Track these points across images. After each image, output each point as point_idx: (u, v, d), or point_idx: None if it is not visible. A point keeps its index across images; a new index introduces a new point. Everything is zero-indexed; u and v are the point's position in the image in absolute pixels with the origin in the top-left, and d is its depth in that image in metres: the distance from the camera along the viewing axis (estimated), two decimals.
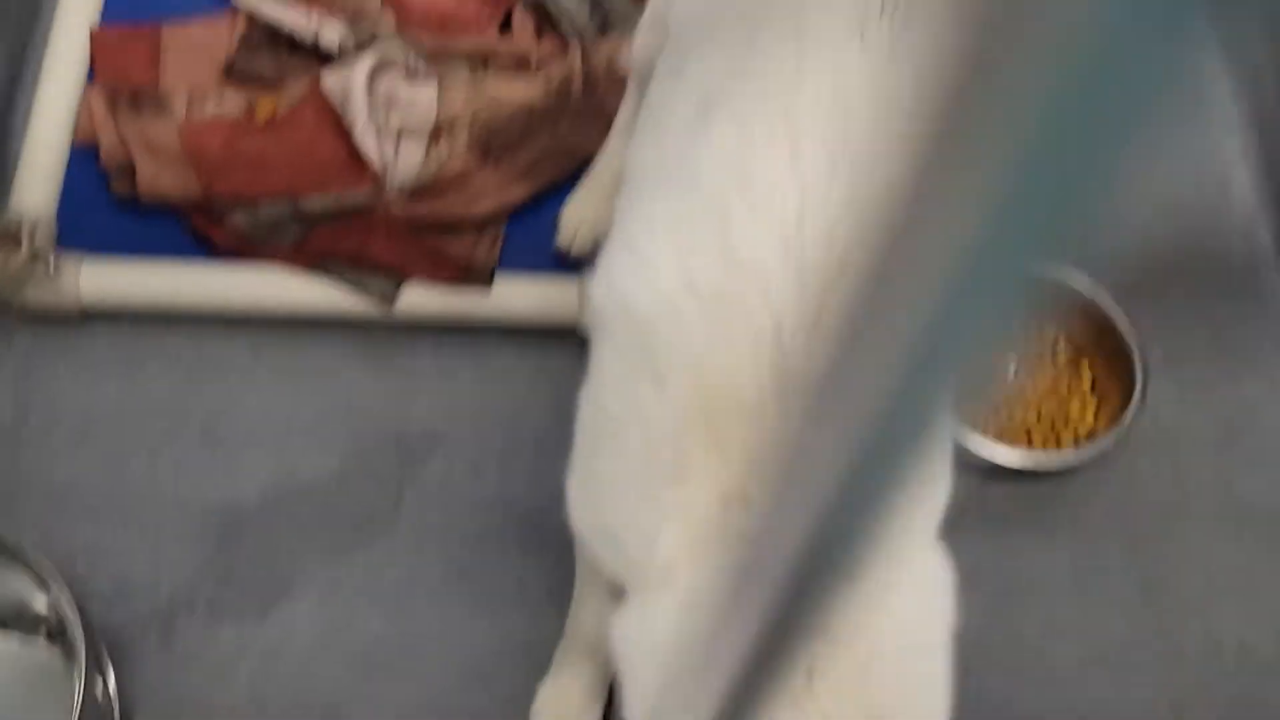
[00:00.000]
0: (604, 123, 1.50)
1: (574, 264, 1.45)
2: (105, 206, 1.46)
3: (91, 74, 1.54)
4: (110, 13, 1.60)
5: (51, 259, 1.38)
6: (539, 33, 1.61)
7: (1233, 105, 1.67)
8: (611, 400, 0.86)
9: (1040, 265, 0.26)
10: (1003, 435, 1.37)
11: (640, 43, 1.29)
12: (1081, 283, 1.37)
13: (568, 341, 1.37)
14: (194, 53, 1.57)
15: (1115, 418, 1.36)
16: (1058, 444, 1.39)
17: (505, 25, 1.62)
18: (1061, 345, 1.43)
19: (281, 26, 1.57)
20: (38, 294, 1.39)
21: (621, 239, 0.90)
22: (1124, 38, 0.21)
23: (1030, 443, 1.39)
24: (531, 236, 1.49)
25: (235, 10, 1.60)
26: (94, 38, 1.56)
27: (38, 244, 1.38)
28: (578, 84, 1.55)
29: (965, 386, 0.30)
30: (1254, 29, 1.65)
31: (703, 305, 0.81)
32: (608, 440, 0.87)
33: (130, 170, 1.45)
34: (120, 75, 1.54)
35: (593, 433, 0.89)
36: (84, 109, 1.50)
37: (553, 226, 1.47)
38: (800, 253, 0.79)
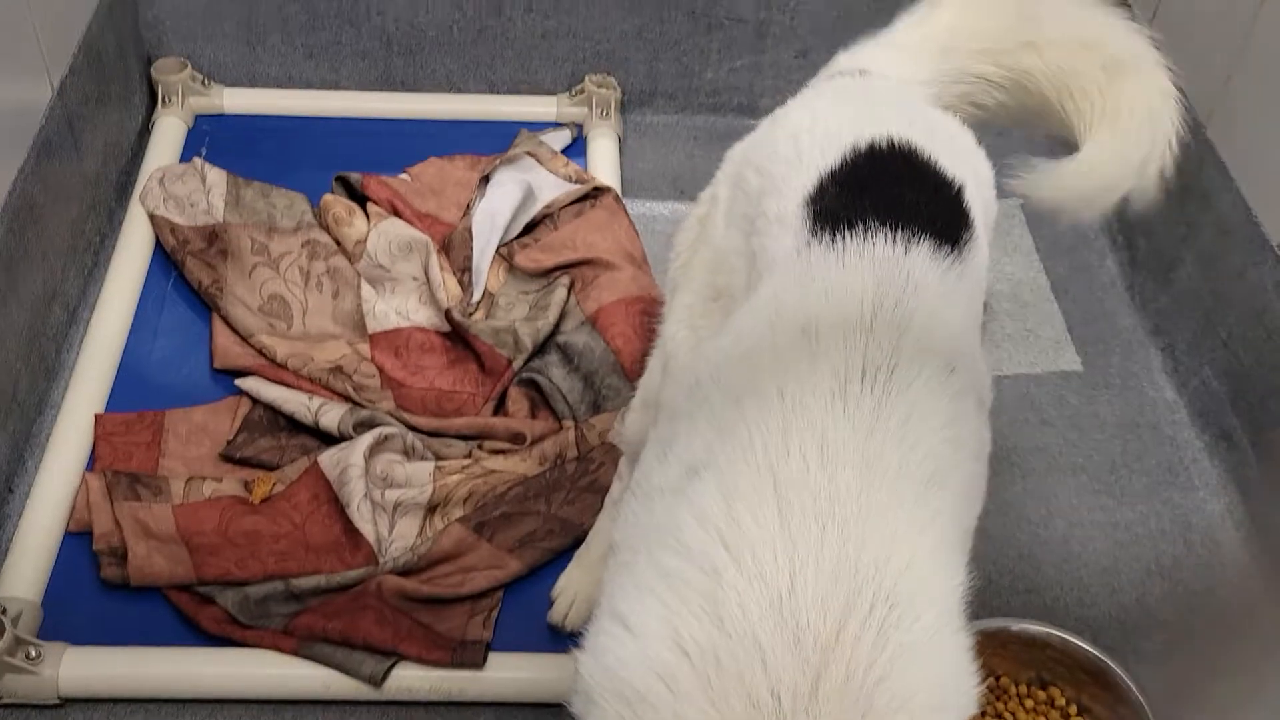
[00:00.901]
0: (597, 498, 1.52)
1: (568, 639, 1.42)
2: (94, 593, 1.44)
3: (92, 459, 1.57)
4: (116, 400, 1.65)
5: (33, 648, 1.35)
6: (533, 411, 1.66)
7: (1210, 466, 1.71)
8: None
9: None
10: None
11: (633, 420, 1.33)
12: (1088, 648, 1.35)
13: (562, 717, 1.32)
14: (195, 435, 1.61)
15: None
16: None
17: (500, 404, 1.68)
18: (1074, 710, 1.38)
19: (283, 409, 1.62)
20: (16, 683, 1.34)
21: (609, 610, 0.88)
22: None
23: None
24: (524, 611, 1.47)
25: (239, 394, 1.66)
26: (98, 422, 1.60)
27: (20, 632, 1.35)
28: (571, 459, 1.59)
29: None
30: (1220, 391, 1.71)
31: (697, 672, 0.78)
32: None
33: (122, 555, 1.45)
34: (121, 460, 1.56)
35: None
36: (81, 494, 1.52)
37: (546, 601, 1.46)
38: (794, 619, 0.78)
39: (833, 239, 0.97)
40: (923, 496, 0.86)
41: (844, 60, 1.26)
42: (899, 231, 0.96)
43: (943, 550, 0.86)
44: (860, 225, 0.97)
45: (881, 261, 0.95)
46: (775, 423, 0.88)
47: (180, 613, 1.43)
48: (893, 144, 1.05)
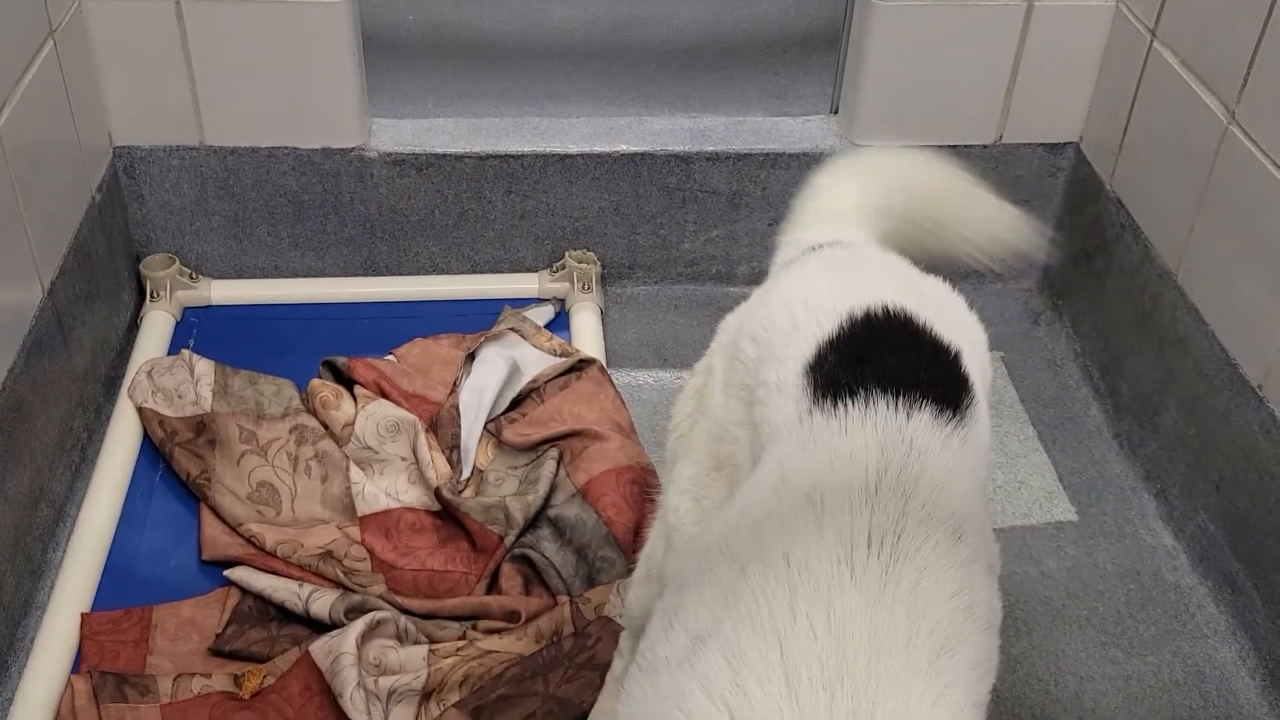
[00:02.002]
0: (595, 674, 1.49)
1: None
2: None
3: (78, 660, 1.53)
4: (104, 597, 1.62)
5: None
6: (527, 588, 1.64)
7: (1216, 612, 1.69)
8: None
9: None
10: None
11: (635, 595, 1.31)
12: None
13: None
14: (184, 630, 1.58)
15: None
16: None
17: (493, 582, 1.65)
18: None
19: (272, 598, 1.59)
20: None
21: None
22: None
23: None
24: None
25: (228, 585, 1.63)
26: (84, 621, 1.57)
27: None
28: (567, 636, 1.56)
29: None
30: (1218, 535, 1.70)
31: None
32: None
33: None
34: (107, 659, 1.53)
35: None
36: (66, 698, 1.47)
37: None
38: None
39: (834, 406, 0.98)
40: (934, 666, 0.84)
41: (809, 236, 1.28)
42: (900, 398, 0.97)
43: None
44: (861, 392, 0.98)
45: (884, 428, 0.96)
46: (781, 589, 0.87)
47: None
48: (888, 311, 1.06)
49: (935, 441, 0.96)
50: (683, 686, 0.85)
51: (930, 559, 0.88)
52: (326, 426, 1.85)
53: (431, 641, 1.55)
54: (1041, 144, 2.14)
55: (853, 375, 0.99)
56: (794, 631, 0.84)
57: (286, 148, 2.06)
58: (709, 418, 1.19)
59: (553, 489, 1.74)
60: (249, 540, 1.67)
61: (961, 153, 2.13)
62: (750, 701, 0.81)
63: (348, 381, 1.92)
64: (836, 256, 1.22)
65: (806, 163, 2.09)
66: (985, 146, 2.13)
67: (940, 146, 2.11)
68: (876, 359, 1.01)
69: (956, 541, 0.91)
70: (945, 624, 0.86)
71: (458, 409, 1.85)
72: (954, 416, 0.99)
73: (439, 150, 2.09)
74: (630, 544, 1.64)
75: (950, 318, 1.11)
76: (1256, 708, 1.57)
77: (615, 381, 1.94)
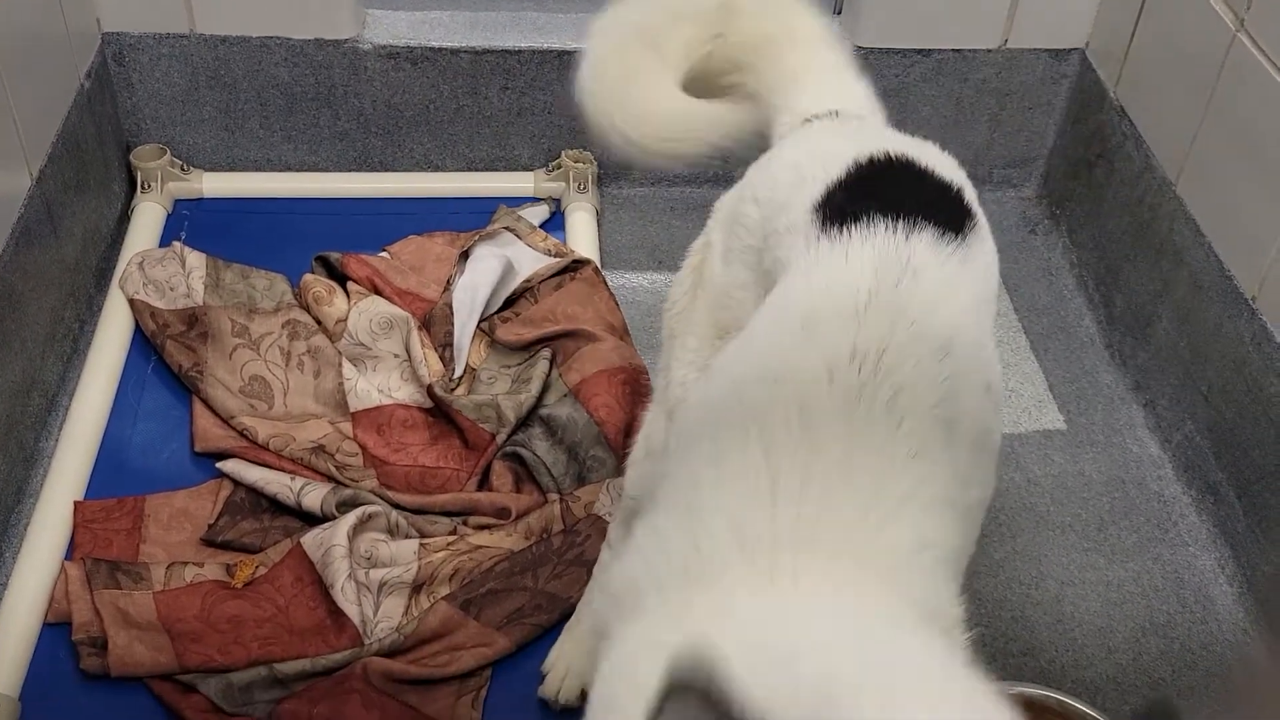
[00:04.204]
0: (584, 571, 1.51)
1: (560, 715, 1.39)
2: (73, 685, 1.41)
3: (71, 548, 1.55)
4: (96, 486, 1.63)
5: None
6: (518, 485, 1.65)
7: (1198, 521, 1.71)
8: None
9: None
10: None
11: (634, 473, 1.32)
12: (1087, 709, 1.33)
13: None
14: (176, 520, 1.59)
15: None
16: None
17: (485, 480, 1.66)
18: None
19: (265, 490, 1.60)
20: None
21: (606, 693, 0.86)
22: None
23: None
24: (513, 690, 1.44)
25: (221, 477, 1.64)
26: (77, 509, 1.58)
27: None
28: (557, 533, 1.57)
29: None
30: (1204, 445, 1.72)
31: None
32: None
33: (102, 645, 1.42)
34: (100, 547, 1.54)
35: None
36: (60, 584, 1.49)
37: (535, 678, 1.44)
38: None
39: (838, 233, 1.01)
40: (907, 466, 0.87)
41: (806, 106, 1.27)
42: (901, 221, 1.00)
43: (927, 517, 0.87)
44: (864, 218, 1.00)
45: (882, 248, 0.98)
46: (765, 396, 0.91)
47: (162, 703, 1.40)
48: (891, 155, 1.10)
49: (934, 261, 0.99)
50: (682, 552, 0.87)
51: (911, 373, 0.91)
52: (319, 322, 1.85)
53: (422, 536, 1.57)
54: (1047, 50, 2.11)
55: (857, 205, 1.02)
56: (770, 426, 0.88)
57: (279, 38, 2.02)
58: (710, 288, 1.21)
59: (545, 388, 1.75)
60: (241, 433, 1.68)
61: (966, 57, 2.10)
62: (729, 475, 0.87)
63: (341, 277, 1.91)
64: (833, 124, 1.24)
65: None
66: (990, 51, 2.09)
67: (945, 50, 2.09)
68: (881, 191, 1.04)
69: (943, 358, 0.93)
70: (921, 432, 0.89)
71: (451, 307, 1.84)
72: (955, 238, 1.01)
73: (434, 44, 2.05)
74: (621, 444, 1.65)
75: (949, 169, 1.14)
76: (1232, 613, 1.60)
77: (610, 283, 1.93)
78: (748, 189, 1.20)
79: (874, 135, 1.18)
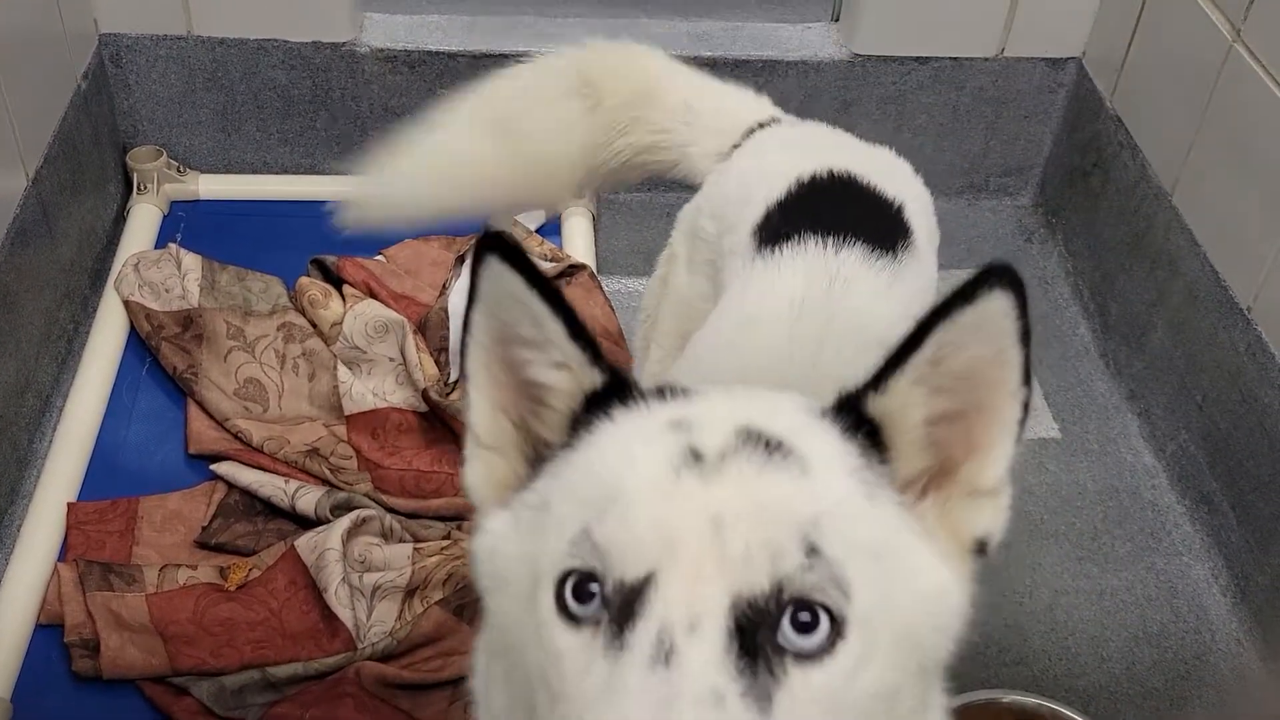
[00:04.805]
0: None
1: None
2: (66, 687, 1.41)
3: (64, 549, 1.54)
4: (90, 487, 1.62)
5: None
6: None
7: (1192, 530, 1.71)
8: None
9: None
10: None
11: None
12: (1080, 719, 1.33)
13: None
14: (169, 522, 1.59)
15: None
16: None
17: None
18: None
19: (259, 492, 1.60)
20: None
21: None
22: None
23: None
24: None
25: (214, 479, 1.64)
26: (70, 511, 1.58)
27: None
28: None
29: None
30: (1198, 455, 1.72)
31: None
32: None
33: (95, 647, 1.42)
34: (93, 549, 1.54)
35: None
36: (52, 586, 1.49)
37: None
38: None
39: (772, 252, 1.07)
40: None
41: (750, 116, 1.31)
42: (831, 238, 1.05)
43: None
44: (796, 237, 1.06)
45: (812, 261, 1.04)
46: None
47: (154, 705, 1.40)
48: (832, 173, 1.14)
49: (865, 274, 1.03)
50: None
51: (850, 358, 0.92)
52: (314, 325, 1.84)
53: (416, 540, 1.57)
54: (1044, 59, 2.11)
55: (791, 226, 1.07)
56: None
57: (276, 40, 2.02)
58: (673, 296, 1.25)
59: None
60: (236, 436, 1.67)
61: (963, 65, 2.10)
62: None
63: (336, 280, 1.90)
64: (784, 132, 1.28)
65: (805, 71, 2.07)
66: (987, 59, 2.10)
67: (942, 58, 2.09)
68: (816, 211, 1.09)
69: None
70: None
71: (446, 311, 1.84)
72: (887, 254, 1.05)
73: (432, 47, 2.05)
74: None
75: (895, 178, 1.18)
76: (1226, 623, 1.60)
77: (605, 288, 1.93)
78: (705, 202, 1.23)
79: (823, 145, 1.22)
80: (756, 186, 1.14)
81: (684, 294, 1.23)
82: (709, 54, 2.07)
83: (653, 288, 1.32)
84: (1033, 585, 1.63)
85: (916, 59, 2.08)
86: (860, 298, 1.01)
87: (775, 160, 1.18)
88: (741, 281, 1.07)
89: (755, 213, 1.10)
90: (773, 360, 0.95)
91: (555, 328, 0.69)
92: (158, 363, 1.78)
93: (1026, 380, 0.69)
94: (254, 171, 2.15)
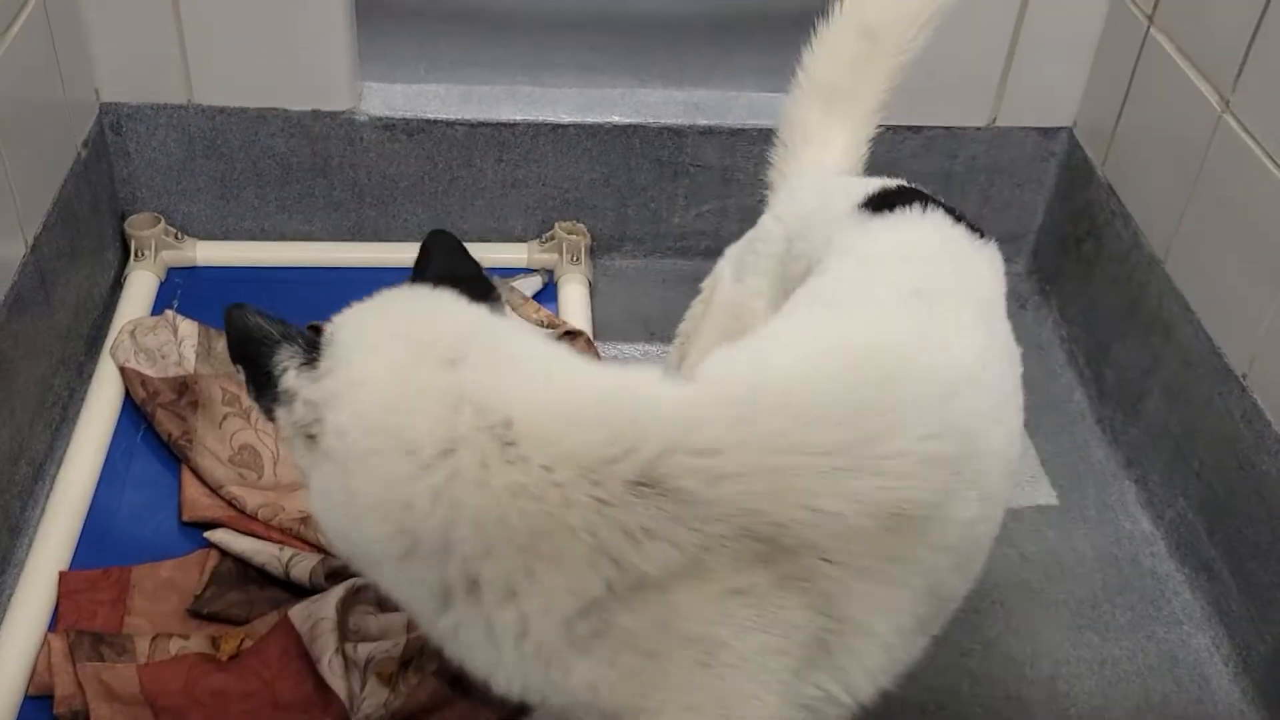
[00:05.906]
0: None
1: None
2: None
3: (54, 619, 1.53)
4: (82, 556, 1.61)
5: None
6: None
7: (1192, 598, 1.70)
8: None
9: None
10: None
11: None
12: None
13: None
14: (162, 591, 1.57)
15: None
16: None
17: None
18: None
19: (253, 560, 1.59)
20: None
21: None
22: None
23: None
24: None
25: (208, 547, 1.62)
26: (61, 580, 1.56)
27: None
28: None
29: None
30: (1196, 522, 1.71)
31: None
32: None
33: (85, 718, 1.40)
34: (84, 618, 1.52)
35: None
36: (42, 655, 1.47)
37: None
38: None
39: (883, 212, 1.23)
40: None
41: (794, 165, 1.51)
42: (938, 210, 1.24)
43: None
44: (903, 205, 1.24)
45: (927, 221, 1.22)
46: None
47: None
48: (903, 186, 1.31)
49: (964, 240, 1.23)
50: None
51: (955, 311, 1.11)
52: None
53: None
54: (1035, 128, 2.14)
55: (896, 202, 1.25)
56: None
57: (276, 109, 2.04)
58: (719, 307, 1.39)
59: None
60: (230, 502, 1.66)
61: (956, 134, 2.13)
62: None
63: None
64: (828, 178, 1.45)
65: None
66: (979, 129, 2.12)
67: (935, 127, 2.12)
68: (912, 202, 1.25)
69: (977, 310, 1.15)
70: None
71: None
72: (978, 234, 1.25)
73: (430, 116, 2.07)
74: None
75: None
76: (1228, 694, 1.59)
77: (602, 354, 1.94)
78: (767, 214, 1.40)
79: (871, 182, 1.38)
80: (834, 196, 1.31)
81: (731, 298, 1.37)
82: (705, 123, 2.10)
83: (694, 309, 1.48)
84: (1033, 655, 1.62)
85: (910, 128, 2.11)
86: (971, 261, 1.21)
87: (839, 182, 1.39)
88: (852, 237, 1.22)
89: (850, 201, 1.27)
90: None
91: None
92: (152, 429, 1.77)
93: None
94: (252, 238, 2.16)
